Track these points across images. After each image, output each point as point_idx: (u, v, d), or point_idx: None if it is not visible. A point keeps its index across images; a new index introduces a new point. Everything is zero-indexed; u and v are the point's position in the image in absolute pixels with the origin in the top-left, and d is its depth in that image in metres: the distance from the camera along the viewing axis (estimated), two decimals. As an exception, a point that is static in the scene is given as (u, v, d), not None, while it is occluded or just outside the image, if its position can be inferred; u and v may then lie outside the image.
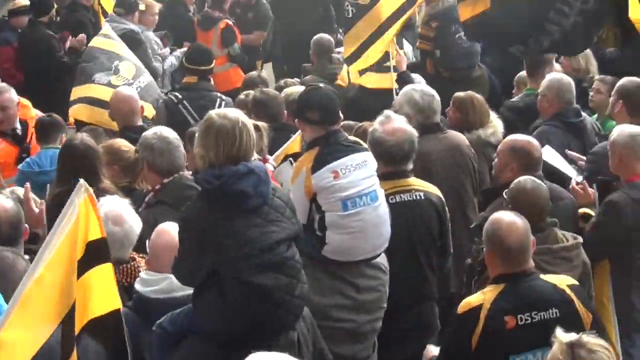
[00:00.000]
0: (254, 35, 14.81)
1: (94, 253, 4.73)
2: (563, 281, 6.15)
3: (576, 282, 6.25)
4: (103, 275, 4.77)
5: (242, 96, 10.13)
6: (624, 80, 9.02)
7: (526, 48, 9.80)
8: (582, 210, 7.70)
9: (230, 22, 14.44)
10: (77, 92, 10.98)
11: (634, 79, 8.97)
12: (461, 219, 8.20)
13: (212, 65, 11.34)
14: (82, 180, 4.57)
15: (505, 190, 7.15)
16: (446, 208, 7.74)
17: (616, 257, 7.60)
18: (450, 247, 7.78)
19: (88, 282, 4.67)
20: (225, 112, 6.14)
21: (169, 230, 6.19)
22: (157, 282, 6.06)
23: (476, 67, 11.84)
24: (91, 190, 4.57)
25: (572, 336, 4.77)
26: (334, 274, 7.02)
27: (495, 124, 9.28)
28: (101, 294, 4.76)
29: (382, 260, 7.14)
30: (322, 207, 6.88)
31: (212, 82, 11.31)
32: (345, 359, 6.92)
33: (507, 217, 6.18)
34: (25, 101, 10.38)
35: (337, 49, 12.46)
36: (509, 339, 5.92)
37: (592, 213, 7.63)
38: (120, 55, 11.16)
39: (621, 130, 7.72)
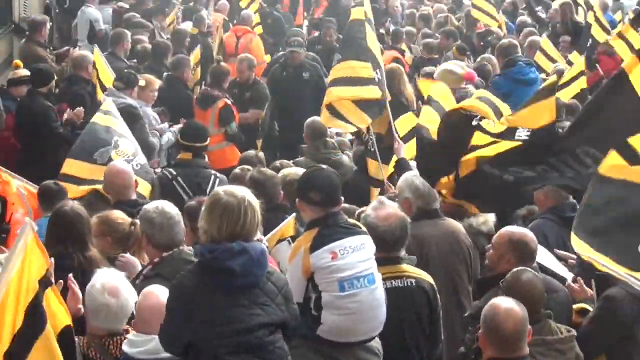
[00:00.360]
0: (250, 113, 14.95)
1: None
2: None
3: None
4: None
5: (238, 170, 10.36)
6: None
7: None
8: (579, 305, 7.72)
9: (228, 102, 14.55)
10: (71, 166, 10.88)
11: None
12: (455, 307, 8.22)
13: (207, 142, 11.44)
14: (27, 219, 4.66)
15: (502, 280, 7.16)
16: (437, 296, 7.75)
17: (613, 352, 7.61)
18: (441, 334, 7.78)
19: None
20: (233, 189, 6.23)
21: (156, 292, 6.30)
22: (144, 343, 6.16)
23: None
24: (35, 227, 4.52)
25: None
26: (327, 355, 7.02)
27: (487, 215, 9.31)
28: None
29: (377, 344, 7.17)
30: (319, 286, 6.91)
31: (207, 159, 11.39)
32: None
33: (505, 304, 6.25)
34: (6, 177, 10.36)
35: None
36: None
37: (590, 308, 7.63)
38: (120, 133, 11.16)
39: None
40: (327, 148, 11.97)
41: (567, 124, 12.91)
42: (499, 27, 20.83)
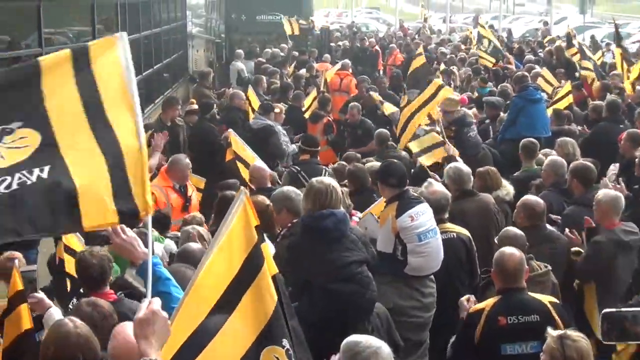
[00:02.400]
0: (367, 147, 13.71)
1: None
2: (545, 298, 6.10)
3: (557, 301, 6.18)
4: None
5: (337, 165, 10.45)
6: (574, 163, 9.13)
7: None
8: (574, 249, 7.61)
9: (330, 119, 14.71)
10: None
11: (581, 162, 9.14)
12: (488, 252, 7.97)
13: (319, 147, 11.45)
14: (242, 188, 4.37)
15: (497, 236, 7.31)
16: (473, 243, 7.76)
17: (600, 279, 7.50)
18: (477, 270, 7.72)
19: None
20: (322, 179, 6.44)
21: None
22: None
23: (482, 150, 11.83)
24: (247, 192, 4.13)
25: (560, 331, 4.77)
26: (410, 285, 7.10)
27: (508, 187, 9.25)
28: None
29: (432, 276, 7.26)
30: (404, 240, 7.00)
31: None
32: (416, 342, 7.03)
33: (508, 250, 6.19)
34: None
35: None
36: (501, 333, 5.87)
37: (582, 250, 7.52)
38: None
39: (605, 193, 7.70)
40: (389, 148, 11.88)
41: (565, 127, 13.00)
42: (509, 64, 20.67)
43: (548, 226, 7.92)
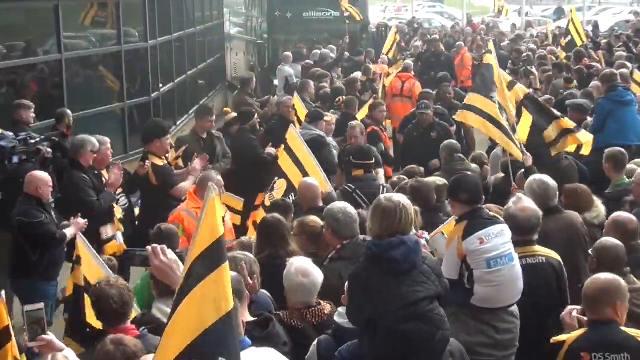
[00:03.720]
0: None
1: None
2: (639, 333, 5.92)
3: None
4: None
5: (396, 180, 10.48)
6: None
7: None
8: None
9: (376, 128, 14.64)
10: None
11: None
12: (575, 284, 7.84)
13: (373, 160, 11.25)
14: (211, 184, 4.32)
15: (591, 248, 7.18)
16: (564, 269, 7.61)
17: None
18: (568, 299, 7.54)
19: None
20: (391, 196, 6.13)
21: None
22: None
23: (564, 159, 11.49)
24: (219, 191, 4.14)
25: None
26: (479, 319, 6.99)
27: (600, 208, 9.07)
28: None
29: (515, 308, 7.09)
30: (471, 265, 6.91)
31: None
32: (487, 384, 6.87)
33: (603, 277, 6.02)
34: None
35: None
36: None
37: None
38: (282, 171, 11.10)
39: None
40: (455, 161, 11.70)
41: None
42: (600, 62, 20.42)
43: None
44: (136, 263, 6.32)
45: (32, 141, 10.46)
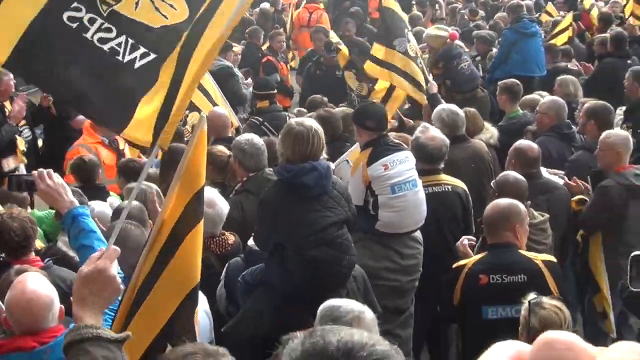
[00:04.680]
0: None
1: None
2: (539, 256, 6.03)
3: (553, 259, 6.12)
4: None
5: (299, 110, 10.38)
6: (590, 103, 9.04)
7: None
8: (577, 197, 7.64)
9: (271, 59, 14.59)
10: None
11: (599, 102, 9.00)
12: (480, 208, 7.99)
13: (275, 90, 11.24)
14: (203, 112, 4.26)
15: (493, 181, 7.29)
16: (469, 197, 7.71)
17: (607, 229, 7.51)
18: (472, 226, 7.67)
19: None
20: (303, 120, 6.15)
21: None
22: None
23: (479, 90, 11.65)
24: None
25: (536, 297, 4.76)
26: (384, 244, 7.02)
27: (491, 129, 9.28)
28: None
29: (418, 234, 7.16)
30: (375, 191, 6.90)
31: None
32: (390, 309, 6.87)
33: (496, 200, 6.24)
34: None
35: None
36: (482, 293, 5.85)
37: (587, 198, 7.54)
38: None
39: (615, 133, 7.74)
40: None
41: (562, 65, 12.97)
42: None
43: (545, 174, 7.91)
44: (22, 188, 6.17)
45: None
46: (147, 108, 3.94)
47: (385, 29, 10.74)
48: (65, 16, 3.87)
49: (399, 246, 7.06)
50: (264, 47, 15.10)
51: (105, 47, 3.91)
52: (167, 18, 4.03)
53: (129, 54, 3.94)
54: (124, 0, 3.97)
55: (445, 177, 7.66)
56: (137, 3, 3.99)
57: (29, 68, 4.00)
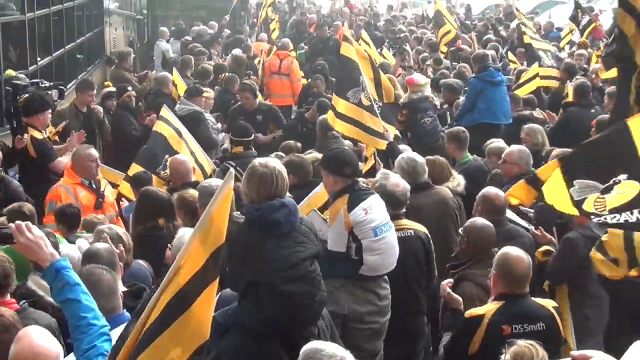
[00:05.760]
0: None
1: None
2: (549, 303, 6.18)
3: (556, 305, 6.25)
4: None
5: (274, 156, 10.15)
6: (559, 151, 9.25)
7: None
8: (543, 248, 7.72)
9: None
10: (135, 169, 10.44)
11: (568, 150, 8.94)
12: (446, 253, 8.03)
13: (252, 137, 11.27)
14: (232, 169, 4.15)
15: (461, 228, 7.37)
16: (431, 242, 7.77)
17: (572, 281, 7.63)
18: (435, 272, 7.78)
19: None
20: (266, 161, 6.13)
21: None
22: None
23: (440, 138, 11.83)
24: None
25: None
26: (364, 288, 7.09)
27: (458, 177, 9.34)
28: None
29: (386, 276, 7.25)
30: (358, 236, 6.96)
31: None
32: (370, 352, 7.02)
33: (514, 252, 6.21)
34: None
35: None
36: (504, 343, 5.82)
37: (552, 249, 7.61)
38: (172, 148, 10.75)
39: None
40: (330, 138, 11.58)
41: (526, 113, 13.14)
42: (472, 44, 20.82)
43: (513, 217, 8.03)
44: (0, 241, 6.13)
45: (43, 85, 11.17)
46: None
47: (339, 81, 10.94)
48: None
49: (377, 287, 7.14)
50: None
51: None
52: None
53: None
54: None
55: (407, 222, 7.73)
56: None
57: None
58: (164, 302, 3.72)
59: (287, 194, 6.16)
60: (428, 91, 12.82)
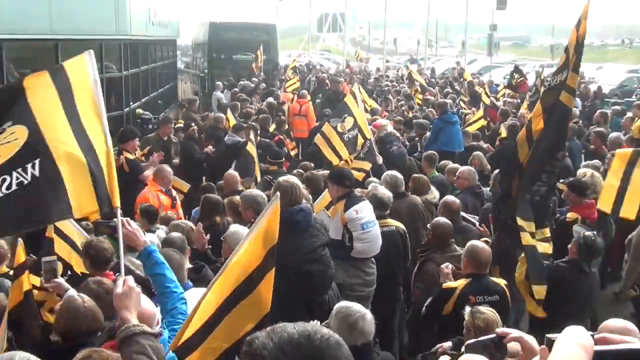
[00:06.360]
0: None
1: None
2: (501, 281, 6.07)
3: (507, 283, 6.12)
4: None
5: (295, 172, 10.14)
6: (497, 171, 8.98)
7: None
8: (483, 239, 7.60)
9: (281, 138, 14.45)
10: None
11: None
12: (416, 242, 8.00)
13: (283, 159, 11.31)
14: (278, 194, 4.05)
15: (428, 224, 7.29)
16: (407, 235, 7.73)
17: (501, 263, 7.39)
18: (409, 256, 7.74)
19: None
20: (287, 177, 6.30)
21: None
22: None
23: (407, 160, 11.73)
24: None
25: (474, 307, 4.75)
26: (354, 266, 7.05)
27: (435, 192, 9.20)
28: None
29: (372, 259, 7.21)
30: (350, 229, 6.96)
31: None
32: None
33: (480, 244, 6.16)
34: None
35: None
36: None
37: (489, 240, 7.51)
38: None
39: None
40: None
41: (474, 144, 13.10)
42: (436, 95, 20.82)
43: (465, 219, 7.96)
44: (107, 232, 6.18)
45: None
46: (77, 187, 3.72)
47: (332, 115, 11.16)
48: None
49: (364, 267, 7.10)
50: (271, 129, 15.15)
51: (13, 188, 3.68)
52: (17, 139, 3.77)
53: (26, 174, 3.71)
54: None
55: (390, 221, 7.66)
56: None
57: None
58: (228, 288, 3.53)
59: (304, 200, 6.18)
60: (390, 129, 12.74)
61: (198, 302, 3.60)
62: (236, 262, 3.61)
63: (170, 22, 22.78)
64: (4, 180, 3.67)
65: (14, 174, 3.68)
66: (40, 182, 3.70)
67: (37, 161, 3.73)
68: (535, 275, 6.32)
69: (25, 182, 3.69)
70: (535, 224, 6.36)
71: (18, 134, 3.81)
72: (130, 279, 3.55)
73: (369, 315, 4.42)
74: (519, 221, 6.33)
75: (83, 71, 4.12)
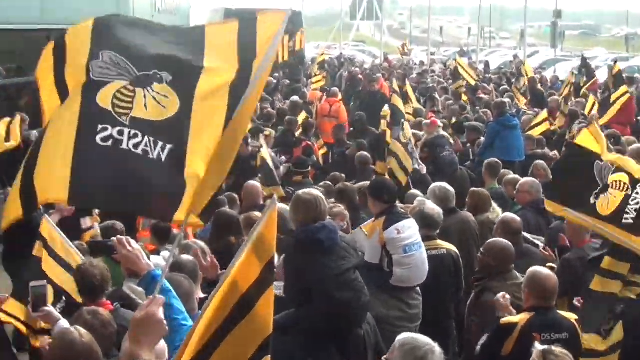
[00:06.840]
0: None
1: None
2: (572, 316, 5.99)
3: (577, 318, 6.03)
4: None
5: (323, 184, 10.21)
6: None
7: None
8: (548, 264, 7.48)
9: (309, 143, 14.51)
10: None
11: None
12: (468, 269, 7.84)
13: (309, 169, 11.43)
14: (274, 196, 4.06)
15: (484, 245, 7.14)
16: (460, 259, 7.66)
17: (570, 293, 7.30)
18: (463, 284, 7.66)
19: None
20: (309, 191, 6.24)
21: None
22: None
23: (458, 170, 11.72)
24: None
25: (545, 347, 4.62)
26: (394, 296, 7.00)
27: (497, 209, 9.08)
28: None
29: (418, 288, 7.15)
30: (390, 251, 6.92)
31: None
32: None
33: (545, 271, 6.06)
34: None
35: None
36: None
37: (555, 266, 7.41)
38: None
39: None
40: (368, 172, 11.63)
41: (539, 151, 12.95)
42: (491, 93, 20.70)
43: (527, 239, 7.86)
44: (103, 253, 6.13)
45: None
46: (189, 189, 3.76)
47: (392, 117, 11.10)
48: (98, 139, 3.71)
49: (407, 297, 7.04)
50: (297, 133, 15.13)
51: (139, 150, 3.73)
52: (165, 108, 3.80)
53: (154, 149, 3.75)
54: (135, 105, 3.78)
55: (440, 242, 7.61)
56: (145, 105, 3.80)
57: (90, 198, 3.93)
58: (223, 310, 3.51)
59: (328, 216, 6.18)
60: (441, 131, 12.74)
61: (192, 327, 3.56)
62: (231, 279, 3.54)
63: (179, 9, 22.96)
64: (135, 135, 3.71)
65: (146, 139, 3.73)
66: (160, 170, 3.73)
67: (168, 146, 3.75)
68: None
69: (149, 155, 3.72)
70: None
71: (170, 103, 3.80)
72: (160, 300, 3.45)
73: (437, 349, 4.33)
74: (607, 261, 6.25)
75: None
